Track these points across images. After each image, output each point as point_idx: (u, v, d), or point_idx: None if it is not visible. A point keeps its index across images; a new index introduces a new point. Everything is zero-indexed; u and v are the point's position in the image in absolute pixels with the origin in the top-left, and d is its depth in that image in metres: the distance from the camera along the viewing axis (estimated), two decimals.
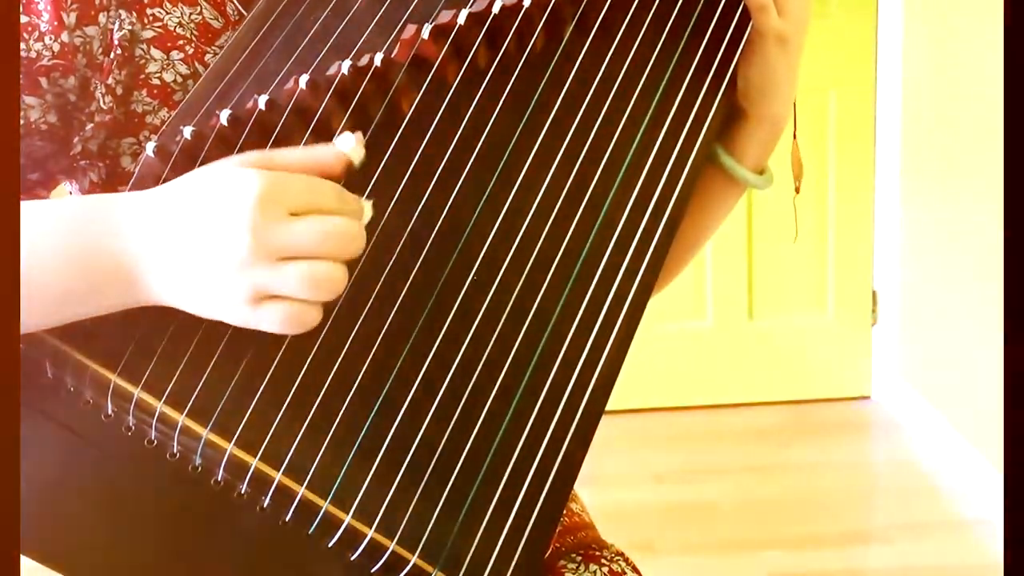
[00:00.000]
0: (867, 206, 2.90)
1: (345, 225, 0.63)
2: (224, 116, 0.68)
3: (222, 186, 0.62)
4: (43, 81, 0.73)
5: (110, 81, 0.75)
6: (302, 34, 0.73)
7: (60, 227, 0.64)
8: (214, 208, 0.61)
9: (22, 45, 0.72)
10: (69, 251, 0.63)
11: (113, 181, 0.78)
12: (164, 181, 0.68)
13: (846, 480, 2.59)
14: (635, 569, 0.93)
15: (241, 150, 0.68)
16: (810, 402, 2.97)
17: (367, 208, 0.67)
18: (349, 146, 0.67)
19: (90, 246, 0.63)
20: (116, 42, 0.75)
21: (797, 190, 0.93)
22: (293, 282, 0.62)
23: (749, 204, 2.84)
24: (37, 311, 0.63)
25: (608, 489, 2.50)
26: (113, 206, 0.64)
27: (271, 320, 0.63)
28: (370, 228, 0.69)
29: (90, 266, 0.63)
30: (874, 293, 2.95)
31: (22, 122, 0.73)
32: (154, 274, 0.63)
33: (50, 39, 0.73)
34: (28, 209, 0.64)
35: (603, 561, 0.92)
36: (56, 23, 0.73)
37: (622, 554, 0.94)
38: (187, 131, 0.68)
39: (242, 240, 0.60)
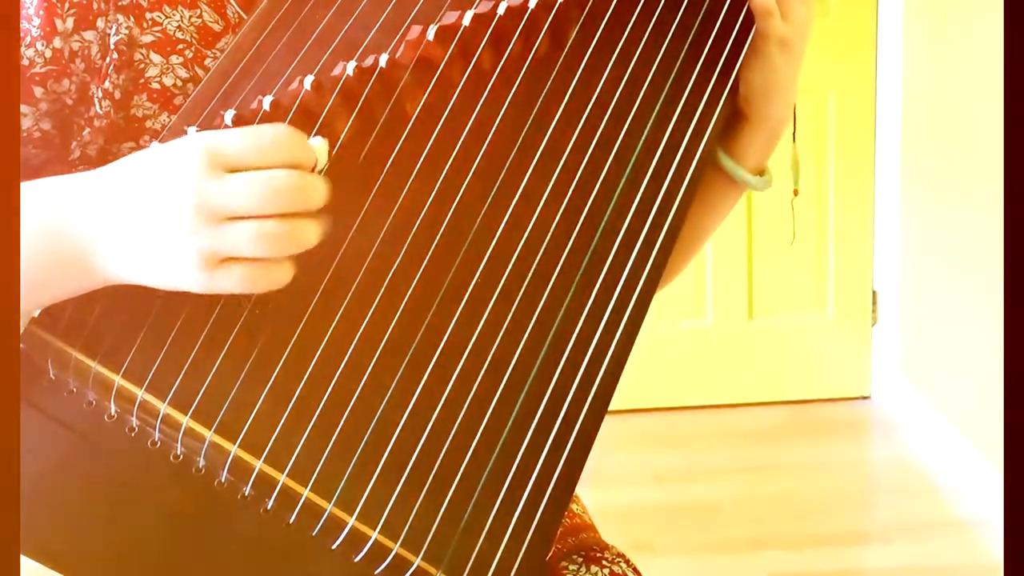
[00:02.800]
0: (867, 206, 2.90)
1: (285, 178, 0.60)
2: (228, 117, 0.67)
3: (161, 154, 0.61)
4: (37, 90, 0.72)
5: (107, 86, 0.74)
6: (306, 35, 0.73)
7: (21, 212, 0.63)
8: (154, 176, 0.60)
9: None
10: (27, 235, 0.62)
11: None
12: None
13: (846, 480, 2.59)
14: (636, 571, 0.93)
15: None
16: (810, 402, 2.97)
17: (321, 150, 0.64)
18: (317, 144, 0.65)
19: (43, 229, 0.63)
20: (113, 46, 0.74)
21: (795, 192, 0.93)
22: (240, 243, 0.60)
23: (749, 204, 2.84)
24: None
25: (608, 489, 2.50)
26: (62, 187, 0.64)
27: (229, 282, 0.61)
28: (374, 230, 0.69)
29: (45, 249, 0.63)
30: (874, 293, 2.96)
31: None
32: (106, 250, 0.62)
33: (41, 45, 0.72)
34: None
35: (604, 563, 0.92)
36: (48, 28, 0.72)
37: (623, 555, 0.94)
38: (191, 132, 0.67)
39: (183, 204, 0.59)
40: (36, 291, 0.64)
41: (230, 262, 0.61)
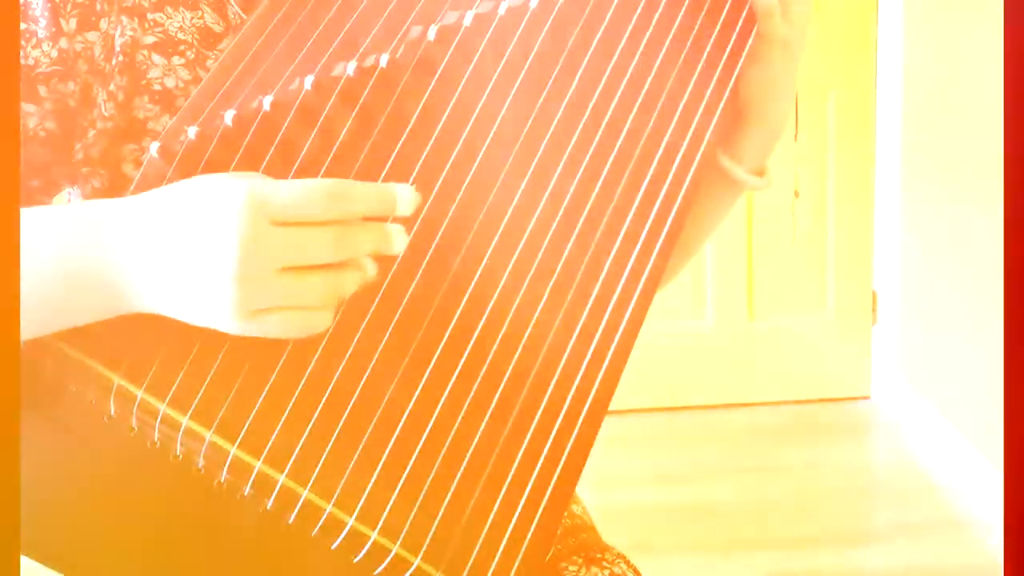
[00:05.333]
0: (867, 206, 2.90)
1: (334, 234, 0.61)
2: (228, 117, 0.67)
3: (210, 195, 0.60)
4: (41, 89, 0.72)
5: (111, 87, 0.74)
6: (307, 35, 0.73)
7: (49, 236, 0.63)
8: (201, 218, 0.60)
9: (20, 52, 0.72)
10: (58, 261, 0.62)
11: (115, 187, 0.77)
12: (168, 182, 0.68)
13: (846, 480, 2.59)
14: (636, 571, 0.93)
15: (246, 151, 0.68)
16: (810, 402, 2.97)
17: (405, 197, 0.64)
18: (405, 194, 0.64)
19: (79, 256, 0.62)
20: (118, 48, 0.74)
21: (796, 194, 0.93)
22: (287, 295, 0.60)
23: (749, 204, 2.84)
24: (27, 320, 0.62)
25: (608, 489, 2.50)
26: (101, 214, 0.63)
27: (270, 329, 0.62)
28: None
29: (79, 276, 0.62)
30: (874, 293, 2.96)
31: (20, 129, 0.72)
32: (143, 284, 0.62)
33: (48, 45, 0.72)
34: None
35: (604, 564, 0.92)
36: (54, 29, 0.72)
37: (623, 556, 0.94)
38: (191, 131, 0.67)
39: (229, 253, 0.59)
40: (56, 315, 0.64)
41: (270, 311, 0.61)
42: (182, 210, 0.61)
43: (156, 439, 0.67)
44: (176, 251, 0.60)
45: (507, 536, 0.70)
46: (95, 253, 0.62)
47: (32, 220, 0.63)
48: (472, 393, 0.70)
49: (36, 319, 0.63)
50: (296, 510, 0.67)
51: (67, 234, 0.63)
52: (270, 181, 0.62)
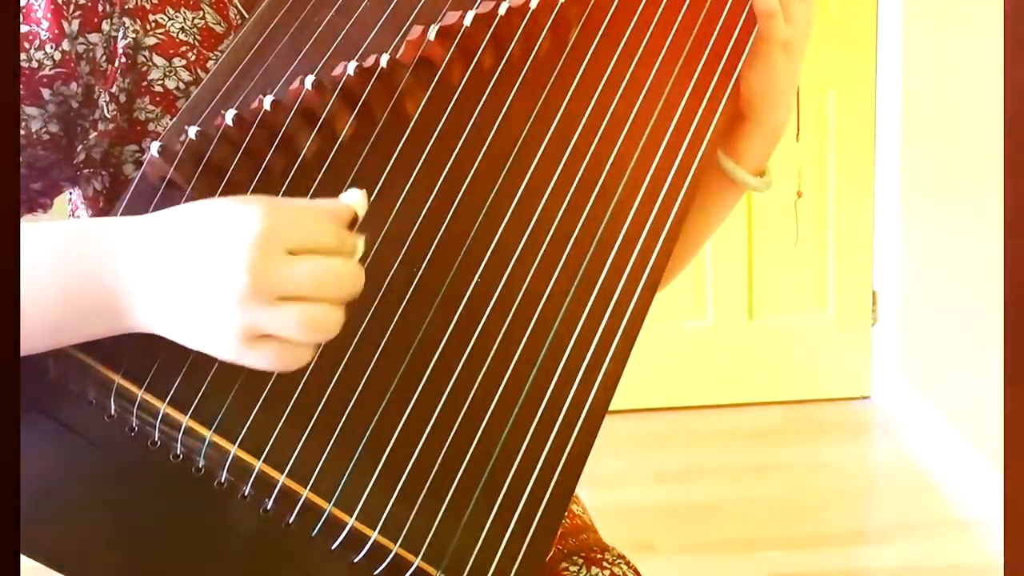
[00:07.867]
0: (867, 206, 2.89)
1: (344, 267, 0.61)
2: (229, 116, 0.67)
3: (220, 220, 0.60)
4: (45, 92, 0.72)
5: (114, 89, 0.74)
6: (307, 34, 0.73)
7: (51, 253, 0.62)
8: (210, 243, 0.59)
9: (22, 55, 0.71)
10: (60, 279, 0.62)
11: (116, 189, 0.77)
12: (169, 181, 0.68)
13: (846, 480, 2.59)
14: (636, 572, 0.93)
15: (246, 151, 0.68)
16: (810, 402, 2.97)
17: (360, 244, 0.63)
18: (355, 199, 0.64)
19: (81, 274, 0.62)
20: (120, 50, 0.74)
21: (799, 194, 0.93)
22: (289, 324, 0.59)
23: (749, 204, 2.84)
24: (28, 337, 0.62)
25: (608, 489, 2.50)
26: (106, 232, 0.62)
27: (261, 359, 0.61)
28: (373, 231, 0.69)
29: (80, 294, 0.62)
30: (874, 293, 2.95)
31: (23, 132, 0.72)
32: (144, 305, 0.61)
33: (51, 48, 0.72)
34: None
35: (604, 564, 0.92)
36: (57, 31, 0.72)
37: (623, 557, 0.94)
38: (192, 131, 0.67)
39: (238, 278, 0.58)
40: (57, 333, 0.63)
41: (266, 339, 0.60)
42: (194, 234, 0.60)
43: (156, 439, 0.67)
44: (184, 275, 0.60)
45: (507, 536, 0.70)
46: (99, 273, 0.61)
47: (36, 237, 0.62)
48: (472, 394, 0.70)
49: (37, 336, 0.63)
50: (296, 510, 0.67)
51: (77, 251, 0.62)
52: (283, 208, 0.61)
